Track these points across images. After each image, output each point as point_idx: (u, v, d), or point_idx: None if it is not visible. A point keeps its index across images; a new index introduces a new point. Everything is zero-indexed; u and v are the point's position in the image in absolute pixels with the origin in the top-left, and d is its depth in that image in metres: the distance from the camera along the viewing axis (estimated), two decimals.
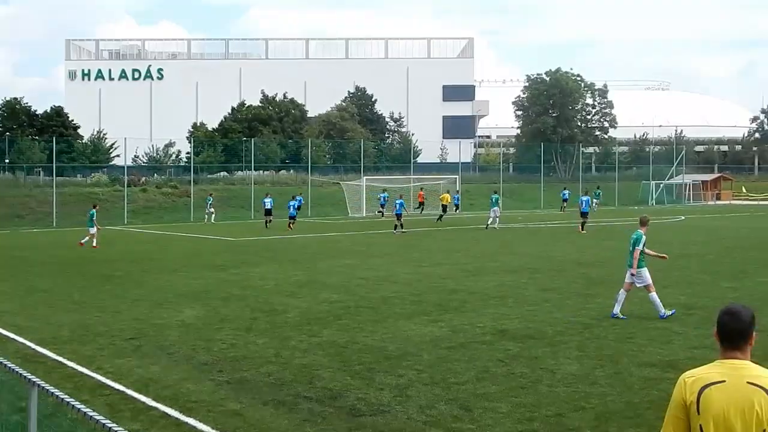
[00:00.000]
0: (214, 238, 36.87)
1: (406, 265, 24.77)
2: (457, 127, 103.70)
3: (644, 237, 15.37)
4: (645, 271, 15.18)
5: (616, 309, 14.99)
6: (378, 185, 59.76)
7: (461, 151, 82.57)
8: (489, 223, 42.25)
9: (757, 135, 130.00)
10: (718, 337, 4.12)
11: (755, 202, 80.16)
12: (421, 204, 59.31)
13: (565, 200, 63.08)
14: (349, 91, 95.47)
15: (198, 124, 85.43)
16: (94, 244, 31.42)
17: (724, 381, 3.96)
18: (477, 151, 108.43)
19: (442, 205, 52.50)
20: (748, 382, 3.92)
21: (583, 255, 27.44)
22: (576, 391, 9.97)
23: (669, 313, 14.76)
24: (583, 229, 38.94)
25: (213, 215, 51.60)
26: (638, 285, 15.17)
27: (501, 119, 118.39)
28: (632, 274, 15.17)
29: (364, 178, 62.21)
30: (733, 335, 4.05)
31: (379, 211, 55.21)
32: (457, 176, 68.53)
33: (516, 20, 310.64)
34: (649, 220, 16.07)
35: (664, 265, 23.57)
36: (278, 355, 12.11)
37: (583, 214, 40.34)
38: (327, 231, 40.90)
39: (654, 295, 14.99)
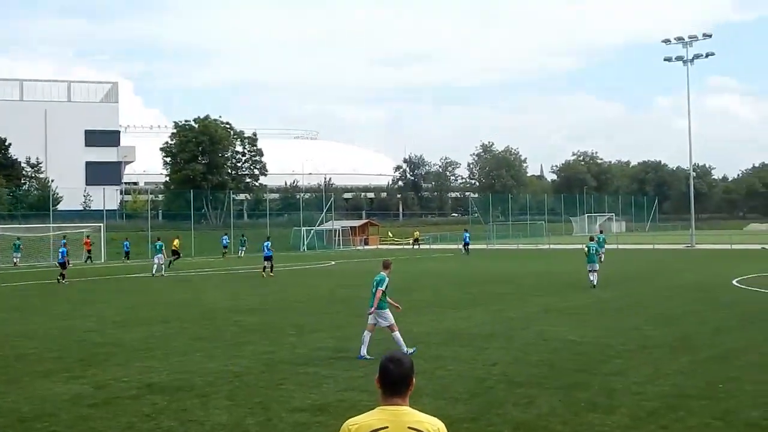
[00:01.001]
0: None
1: (47, 317, 23.24)
2: (101, 173, 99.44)
3: (387, 279, 15.60)
4: (387, 312, 15.45)
5: (363, 351, 15.16)
6: (12, 234, 56.15)
7: (106, 198, 79.79)
8: (154, 271, 42.20)
9: (400, 183, 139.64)
10: (380, 383, 4.16)
11: (400, 246, 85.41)
12: (89, 252, 57.35)
13: (225, 246, 65.42)
14: None
15: None
16: None
17: (386, 427, 4.04)
18: (123, 198, 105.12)
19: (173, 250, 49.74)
20: (409, 428, 4.02)
21: (236, 302, 27.42)
22: None
23: (411, 350, 15.04)
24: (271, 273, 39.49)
25: None
26: (382, 325, 15.42)
27: (149, 165, 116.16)
28: (370, 314, 15.41)
29: None
30: (396, 382, 4.13)
31: (14, 263, 52.21)
32: (102, 224, 66.03)
33: (164, 65, 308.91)
34: (391, 264, 16.34)
35: (316, 310, 24.41)
36: None
37: (267, 258, 40.03)
38: None
39: (397, 334, 15.34)
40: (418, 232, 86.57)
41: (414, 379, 4.18)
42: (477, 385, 12.66)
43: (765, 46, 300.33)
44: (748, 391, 11.78)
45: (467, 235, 66.33)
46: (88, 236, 59.47)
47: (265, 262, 40.01)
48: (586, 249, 30.78)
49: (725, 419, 10.20)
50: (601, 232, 51.90)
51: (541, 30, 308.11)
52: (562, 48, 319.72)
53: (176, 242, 50.96)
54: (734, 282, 31.21)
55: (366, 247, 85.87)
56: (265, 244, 41.33)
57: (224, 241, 65.38)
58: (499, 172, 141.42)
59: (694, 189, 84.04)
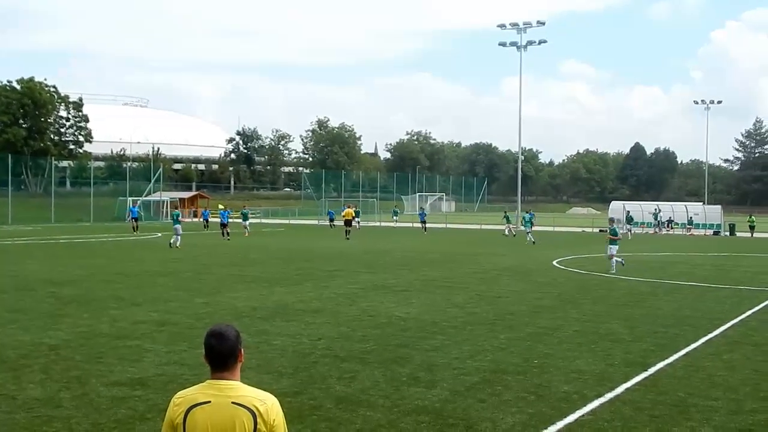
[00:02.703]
0: None
1: None
2: None
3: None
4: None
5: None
6: None
7: None
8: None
9: (233, 155, 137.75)
10: (207, 359, 4.09)
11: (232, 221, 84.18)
12: None
13: (135, 218, 56.80)
14: None
15: None
16: None
17: (209, 402, 3.99)
18: None
19: None
20: (232, 402, 3.97)
21: (56, 273, 26.34)
22: (38, 416, 9.35)
23: None
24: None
25: None
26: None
27: None
28: None
29: None
30: (220, 357, 4.05)
31: None
32: None
33: None
34: None
35: (139, 283, 23.77)
36: None
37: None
38: None
39: None
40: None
41: (242, 351, 4.12)
42: (301, 359, 12.69)
43: (611, 37, 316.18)
44: (560, 366, 12.35)
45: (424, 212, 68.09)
46: None
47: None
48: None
49: (538, 393, 10.65)
50: (527, 212, 53.21)
51: (382, 13, 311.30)
52: (404, 31, 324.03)
53: None
54: (554, 263, 32.64)
55: (195, 219, 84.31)
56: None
57: (134, 212, 58.21)
58: (333, 148, 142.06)
59: (521, 172, 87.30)
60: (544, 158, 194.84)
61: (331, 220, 71.71)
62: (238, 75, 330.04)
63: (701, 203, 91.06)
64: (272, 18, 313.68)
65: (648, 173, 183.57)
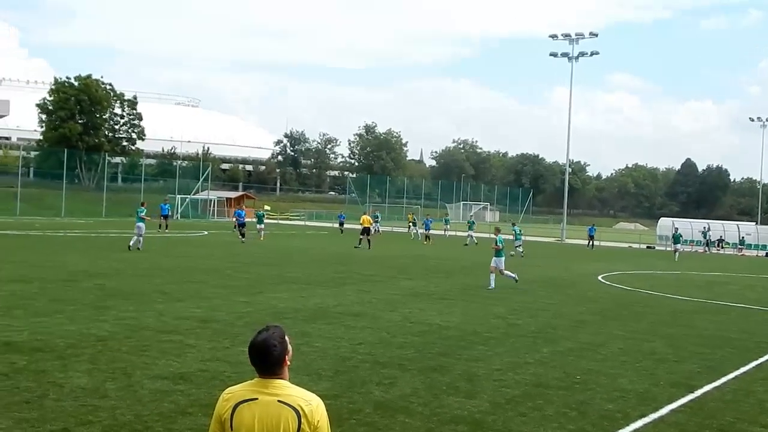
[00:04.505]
0: None
1: None
2: None
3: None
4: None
5: None
6: None
7: None
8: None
9: (279, 157, 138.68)
10: (252, 365, 4.15)
11: (276, 222, 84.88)
12: None
13: (165, 216, 53.15)
14: None
15: None
16: None
17: (256, 399, 4.05)
18: None
19: None
20: (278, 401, 4.03)
21: (103, 266, 26.70)
22: (84, 404, 9.49)
23: None
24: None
25: None
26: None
27: (23, 121, 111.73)
28: None
29: None
30: (264, 366, 4.11)
31: None
32: None
33: (48, 18, 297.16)
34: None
35: (184, 278, 24.02)
36: None
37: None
38: None
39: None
40: (411, 215, 75.83)
41: (289, 351, 4.16)
42: (341, 363, 12.72)
43: (661, 49, 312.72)
44: (603, 383, 12.23)
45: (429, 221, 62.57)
46: None
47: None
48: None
49: (580, 410, 10.56)
50: (513, 224, 52.96)
51: (430, 18, 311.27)
52: (452, 37, 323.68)
53: None
54: (599, 278, 32.36)
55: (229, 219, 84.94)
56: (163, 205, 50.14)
57: (164, 209, 54.02)
58: (380, 153, 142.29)
59: (568, 185, 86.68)
60: (591, 171, 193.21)
61: (341, 224, 69.27)
62: (273, 76, 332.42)
63: (754, 223, 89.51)
64: (307, 18, 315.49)
65: (699, 190, 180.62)
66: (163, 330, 14.81)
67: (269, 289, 22.38)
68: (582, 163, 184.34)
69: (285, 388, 4.09)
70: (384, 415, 9.78)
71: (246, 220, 48.02)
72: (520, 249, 47.03)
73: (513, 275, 27.11)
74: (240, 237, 45.20)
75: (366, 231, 46.02)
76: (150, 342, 13.56)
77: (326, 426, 4.09)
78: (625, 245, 68.22)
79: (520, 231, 49.11)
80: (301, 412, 4.01)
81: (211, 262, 30.63)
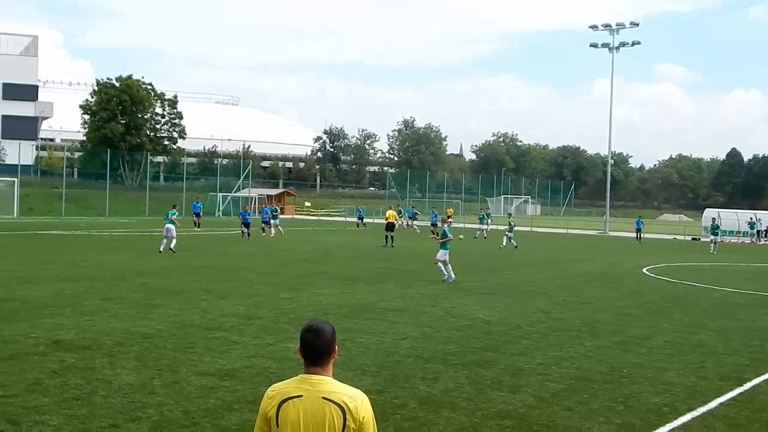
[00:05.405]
0: None
1: None
2: (17, 128, 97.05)
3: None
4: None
5: None
6: None
7: (21, 153, 77.65)
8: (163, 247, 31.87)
9: (319, 154, 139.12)
10: (301, 353, 4.16)
11: (316, 218, 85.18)
12: None
13: (197, 214, 53.81)
14: None
15: None
16: None
17: (301, 396, 4.08)
18: (39, 154, 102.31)
19: None
20: (323, 398, 4.05)
21: (148, 264, 27.02)
22: (132, 401, 9.63)
23: None
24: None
25: None
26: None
27: (67, 122, 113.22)
28: None
29: None
30: (316, 352, 4.13)
31: None
32: (16, 179, 64.38)
33: (88, 21, 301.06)
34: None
35: (228, 276, 24.21)
36: None
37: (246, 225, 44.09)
38: None
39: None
40: (451, 210, 74.87)
41: (336, 348, 4.18)
42: (385, 358, 12.74)
43: (706, 38, 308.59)
44: (650, 377, 12.11)
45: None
46: None
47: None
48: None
49: (626, 404, 10.47)
50: (509, 215, 53.03)
51: (468, 15, 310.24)
52: (490, 33, 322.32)
53: None
54: (644, 270, 32.03)
55: (282, 216, 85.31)
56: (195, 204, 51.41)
57: (196, 208, 54.08)
58: (419, 148, 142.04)
59: (610, 176, 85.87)
60: (634, 162, 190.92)
61: (360, 219, 67.12)
62: (311, 74, 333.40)
63: None
64: (346, 18, 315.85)
65: (745, 180, 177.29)
66: (208, 327, 14.95)
67: (311, 286, 22.47)
68: (624, 154, 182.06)
69: (329, 385, 4.10)
70: (428, 410, 9.77)
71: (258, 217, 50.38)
72: (513, 242, 46.17)
73: (447, 276, 24.88)
74: (245, 237, 43.91)
75: (390, 226, 43.43)
76: (195, 339, 13.70)
77: (371, 422, 4.09)
78: (670, 237, 67.41)
79: (513, 223, 48.52)
80: (345, 409, 4.02)
81: (250, 260, 30.80)
